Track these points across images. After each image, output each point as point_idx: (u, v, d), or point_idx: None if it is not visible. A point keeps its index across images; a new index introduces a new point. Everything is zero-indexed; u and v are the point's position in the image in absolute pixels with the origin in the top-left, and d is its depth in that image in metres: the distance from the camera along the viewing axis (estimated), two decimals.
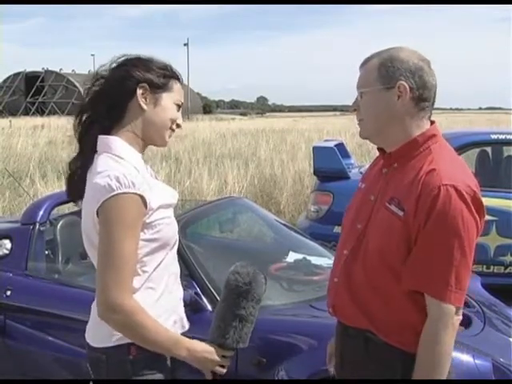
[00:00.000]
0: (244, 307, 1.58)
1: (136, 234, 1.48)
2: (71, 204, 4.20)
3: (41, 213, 3.24)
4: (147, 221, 1.51)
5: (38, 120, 28.53)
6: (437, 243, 1.41)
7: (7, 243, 3.17)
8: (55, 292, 2.98)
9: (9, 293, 2.98)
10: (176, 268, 1.68)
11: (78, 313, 2.78)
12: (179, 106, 1.64)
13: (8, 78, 63.76)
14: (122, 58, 1.62)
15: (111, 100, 1.57)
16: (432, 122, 1.57)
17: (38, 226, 3.20)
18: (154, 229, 1.53)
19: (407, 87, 1.49)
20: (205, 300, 2.51)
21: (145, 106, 1.57)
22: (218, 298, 2.53)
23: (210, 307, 2.49)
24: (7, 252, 3.15)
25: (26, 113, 52.44)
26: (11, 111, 51.41)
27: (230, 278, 1.60)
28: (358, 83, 1.59)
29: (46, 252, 3.27)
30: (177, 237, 1.64)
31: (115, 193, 1.44)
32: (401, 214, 1.45)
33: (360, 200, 1.63)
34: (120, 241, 1.45)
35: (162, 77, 1.60)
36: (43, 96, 60.96)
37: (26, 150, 13.79)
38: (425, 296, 1.44)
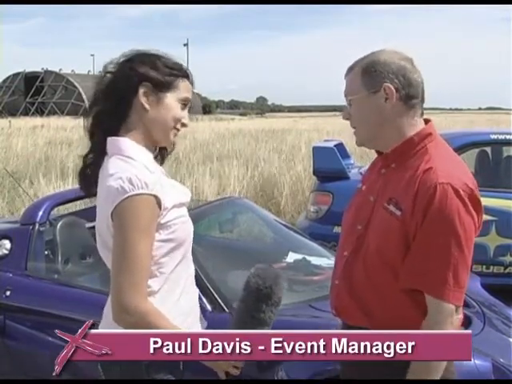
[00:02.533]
0: (264, 311, 1.56)
1: (151, 235, 1.46)
2: (71, 204, 4.22)
3: (40, 213, 3.24)
4: (162, 221, 1.49)
5: (38, 120, 28.51)
6: (434, 241, 1.41)
7: (7, 243, 3.17)
8: (55, 292, 2.98)
9: (8, 293, 2.98)
10: (192, 268, 1.66)
11: (78, 313, 2.78)
12: (185, 105, 1.59)
13: (7, 78, 63.72)
14: (131, 52, 1.58)
15: (117, 95, 1.53)
16: (427, 121, 1.58)
17: (37, 227, 3.19)
18: (170, 229, 1.51)
19: (392, 88, 1.50)
20: (204, 300, 2.50)
21: (147, 106, 1.53)
22: (218, 299, 2.56)
23: (209, 307, 2.49)
24: (7, 252, 3.15)
25: (26, 113, 52.42)
26: (11, 111, 51.35)
27: (251, 280, 1.58)
28: (344, 92, 1.60)
29: (46, 252, 3.26)
30: (192, 236, 1.62)
31: (128, 195, 1.42)
32: (398, 213, 1.46)
33: (360, 201, 1.64)
34: (135, 243, 1.43)
35: (168, 75, 1.55)
36: (43, 96, 60.93)
37: (25, 150, 13.79)
38: (424, 294, 1.44)
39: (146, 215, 1.44)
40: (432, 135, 1.54)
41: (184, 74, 1.59)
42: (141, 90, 1.53)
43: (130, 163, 1.48)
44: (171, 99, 1.56)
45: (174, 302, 1.54)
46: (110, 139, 1.54)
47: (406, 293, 1.47)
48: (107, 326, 1.55)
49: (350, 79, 1.58)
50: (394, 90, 1.50)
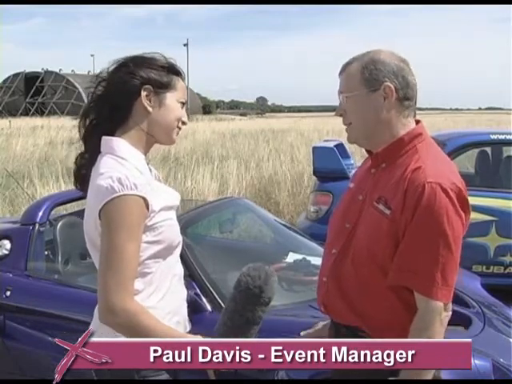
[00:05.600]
0: (252, 310, 1.57)
1: (138, 236, 1.47)
2: (71, 204, 4.22)
3: (40, 213, 3.24)
4: (148, 223, 1.49)
5: (38, 120, 28.52)
6: (422, 240, 1.43)
7: (7, 243, 3.17)
8: (55, 292, 2.99)
9: (8, 293, 2.98)
10: (179, 269, 1.67)
11: (78, 313, 2.78)
12: (183, 104, 1.61)
13: (7, 78, 63.76)
14: (122, 58, 1.59)
15: (115, 102, 1.55)
16: (418, 122, 1.59)
17: (37, 227, 3.20)
18: (156, 231, 1.52)
19: (393, 88, 1.51)
20: (204, 300, 2.51)
21: (150, 108, 1.55)
22: (218, 299, 2.56)
23: (209, 307, 2.50)
24: (7, 252, 3.15)
25: (26, 113, 52.44)
26: (11, 111, 51.41)
27: (242, 279, 1.58)
28: (341, 88, 1.59)
29: (46, 252, 3.27)
30: (180, 238, 1.63)
31: (117, 194, 1.43)
32: (388, 212, 1.47)
33: (349, 200, 1.65)
34: (121, 243, 1.43)
35: (165, 76, 1.57)
36: (43, 96, 60.96)
37: (25, 150, 13.79)
38: (414, 292, 1.46)
39: (134, 215, 1.45)
40: (422, 135, 1.56)
41: (178, 72, 1.61)
42: (143, 93, 1.54)
43: (121, 163, 1.49)
44: (171, 99, 1.58)
45: (157, 301, 1.55)
46: (104, 138, 1.55)
47: (395, 291, 1.48)
48: (96, 324, 1.55)
49: (346, 76, 1.57)
50: (394, 90, 1.51)
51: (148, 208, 1.48)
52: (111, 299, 1.43)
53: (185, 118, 1.62)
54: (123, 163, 1.50)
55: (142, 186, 1.46)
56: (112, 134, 1.56)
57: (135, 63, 1.57)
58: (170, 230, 1.56)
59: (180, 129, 1.62)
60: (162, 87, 1.56)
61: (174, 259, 1.62)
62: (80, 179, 1.63)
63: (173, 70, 1.60)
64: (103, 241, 1.46)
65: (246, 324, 1.57)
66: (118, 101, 1.55)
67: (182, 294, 1.69)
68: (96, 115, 1.58)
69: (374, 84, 1.52)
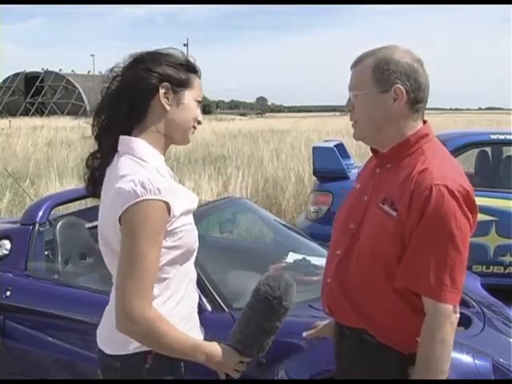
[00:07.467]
0: (269, 320, 1.54)
1: (159, 242, 1.42)
2: (71, 204, 4.22)
3: (40, 213, 3.24)
4: (169, 228, 1.45)
5: (38, 120, 28.52)
6: (430, 242, 1.41)
7: (7, 243, 3.17)
8: (55, 292, 2.98)
9: (8, 293, 2.98)
10: (194, 273, 1.63)
11: (78, 313, 2.79)
12: (199, 102, 1.57)
13: (7, 78, 63.81)
14: (139, 53, 1.53)
15: (132, 99, 1.49)
16: (424, 122, 1.57)
17: (37, 227, 3.19)
18: (176, 236, 1.48)
19: (403, 91, 1.48)
20: (204, 300, 2.50)
21: (167, 107, 1.50)
22: (218, 299, 2.56)
23: (209, 307, 2.49)
24: (7, 252, 3.15)
25: (26, 113, 52.46)
26: (11, 111, 51.44)
27: (261, 288, 1.55)
28: (351, 84, 1.57)
29: (46, 252, 3.26)
30: (197, 243, 1.59)
31: (140, 199, 1.37)
32: (394, 214, 1.45)
33: (353, 200, 1.63)
34: (143, 250, 1.39)
35: (183, 73, 1.52)
36: (43, 96, 60.97)
37: (25, 150, 13.79)
38: (422, 296, 1.44)
39: (157, 222, 1.40)
40: (428, 136, 1.54)
41: (195, 70, 1.57)
42: (161, 91, 1.49)
43: (142, 166, 1.44)
44: (189, 98, 1.53)
45: (173, 307, 1.51)
46: (122, 138, 1.50)
47: (402, 295, 1.47)
48: (107, 329, 1.53)
49: (358, 72, 1.55)
50: (405, 93, 1.49)
51: (170, 213, 1.43)
52: (130, 306, 1.39)
53: (200, 118, 1.58)
54: (144, 165, 1.45)
55: (164, 190, 1.41)
56: (129, 134, 1.50)
57: (153, 59, 1.51)
58: (189, 235, 1.52)
59: (195, 128, 1.58)
60: (180, 85, 1.51)
61: (191, 264, 1.59)
62: (93, 181, 1.57)
63: (190, 68, 1.55)
64: (124, 246, 1.41)
65: (263, 333, 1.55)
66: (135, 98, 1.49)
67: (195, 299, 1.65)
68: (112, 113, 1.52)
69: (385, 85, 1.49)
